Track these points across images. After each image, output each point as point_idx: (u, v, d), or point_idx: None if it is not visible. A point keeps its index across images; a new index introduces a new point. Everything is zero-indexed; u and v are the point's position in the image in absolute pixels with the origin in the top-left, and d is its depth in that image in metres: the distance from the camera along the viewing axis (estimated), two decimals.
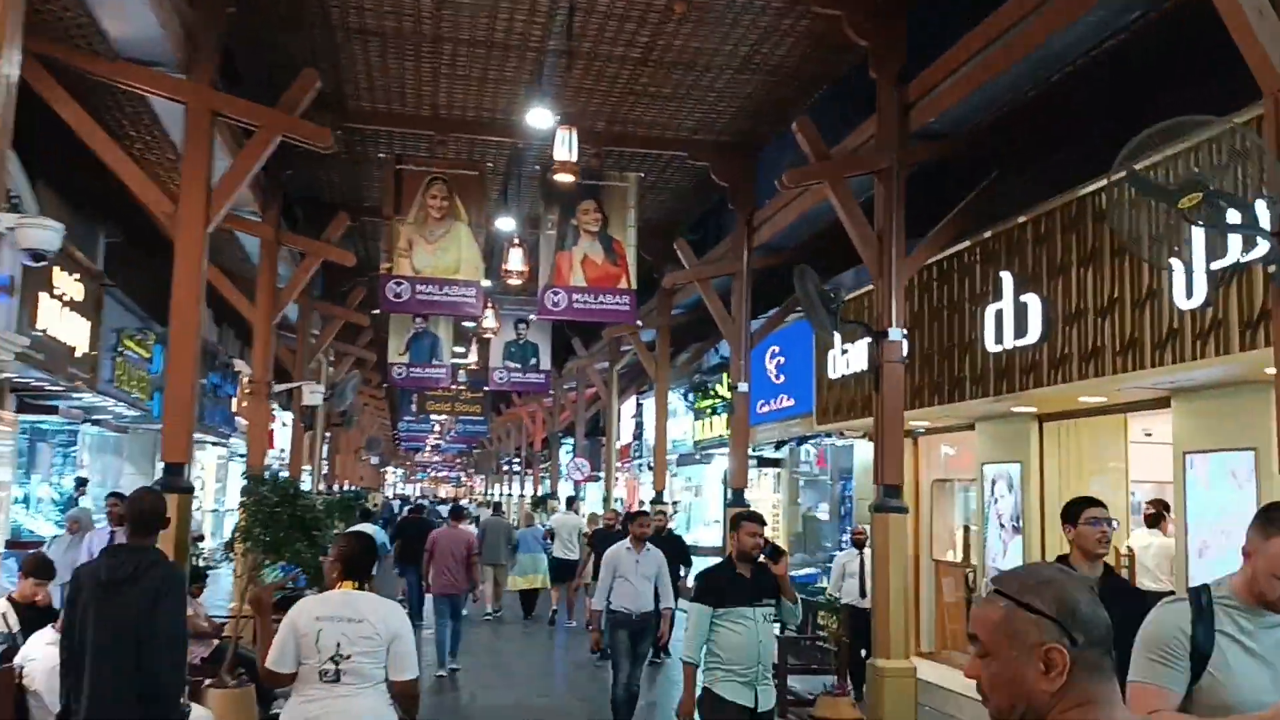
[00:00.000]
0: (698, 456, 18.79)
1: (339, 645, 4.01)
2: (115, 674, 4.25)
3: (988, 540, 10.25)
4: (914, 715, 8.52)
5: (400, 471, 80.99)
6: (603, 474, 23.03)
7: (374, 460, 38.77)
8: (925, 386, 10.13)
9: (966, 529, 11.75)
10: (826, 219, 12.25)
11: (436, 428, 44.22)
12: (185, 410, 7.90)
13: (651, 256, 15.28)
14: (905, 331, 8.90)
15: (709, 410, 17.92)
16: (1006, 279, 8.83)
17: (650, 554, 8.72)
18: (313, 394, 14.86)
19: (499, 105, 12.34)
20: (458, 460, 71.79)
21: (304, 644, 4.04)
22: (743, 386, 13.20)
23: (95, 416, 14.27)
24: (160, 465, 8.33)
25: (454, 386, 28.40)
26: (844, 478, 13.96)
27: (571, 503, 20.24)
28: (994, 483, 10.20)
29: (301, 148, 8.76)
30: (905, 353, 9.02)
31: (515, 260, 13.31)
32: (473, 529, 15.23)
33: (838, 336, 9.35)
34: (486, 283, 13.59)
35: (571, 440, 30.80)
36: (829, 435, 13.31)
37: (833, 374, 12.30)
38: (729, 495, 13.22)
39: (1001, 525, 10.08)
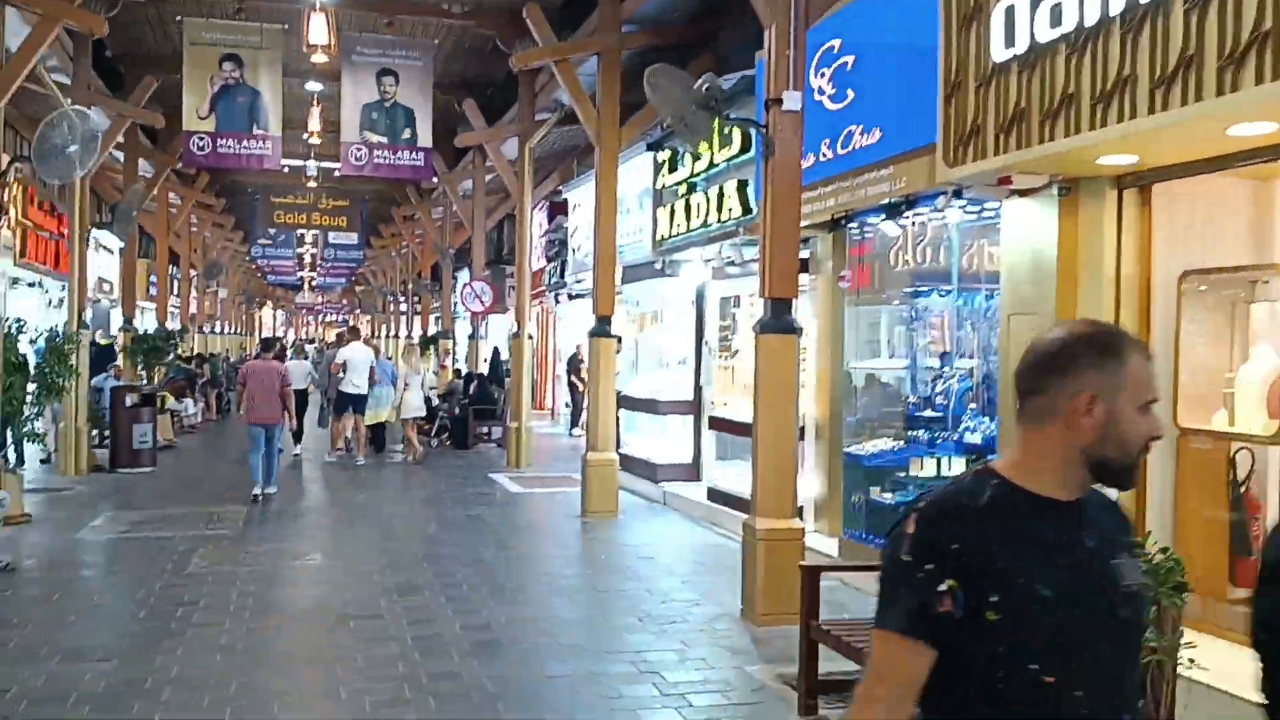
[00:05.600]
0: (658, 265, 12.25)
1: None
2: None
3: None
4: None
5: (280, 314, 72.73)
6: (512, 304, 16.80)
7: (221, 293, 31.35)
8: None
9: None
10: None
11: (307, 256, 36.77)
12: None
13: None
14: None
15: (683, 188, 11.40)
16: None
17: None
18: None
19: None
20: (344, 300, 64.20)
21: None
22: (792, 101, 6.73)
23: None
24: None
25: (306, 184, 21.24)
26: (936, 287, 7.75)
27: (357, 333, 17.37)
28: None
29: None
30: None
31: None
32: (281, 364, 12.98)
33: None
34: None
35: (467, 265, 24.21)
36: (959, 193, 6.87)
37: (998, 55, 5.84)
38: (768, 313, 6.88)
39: None
